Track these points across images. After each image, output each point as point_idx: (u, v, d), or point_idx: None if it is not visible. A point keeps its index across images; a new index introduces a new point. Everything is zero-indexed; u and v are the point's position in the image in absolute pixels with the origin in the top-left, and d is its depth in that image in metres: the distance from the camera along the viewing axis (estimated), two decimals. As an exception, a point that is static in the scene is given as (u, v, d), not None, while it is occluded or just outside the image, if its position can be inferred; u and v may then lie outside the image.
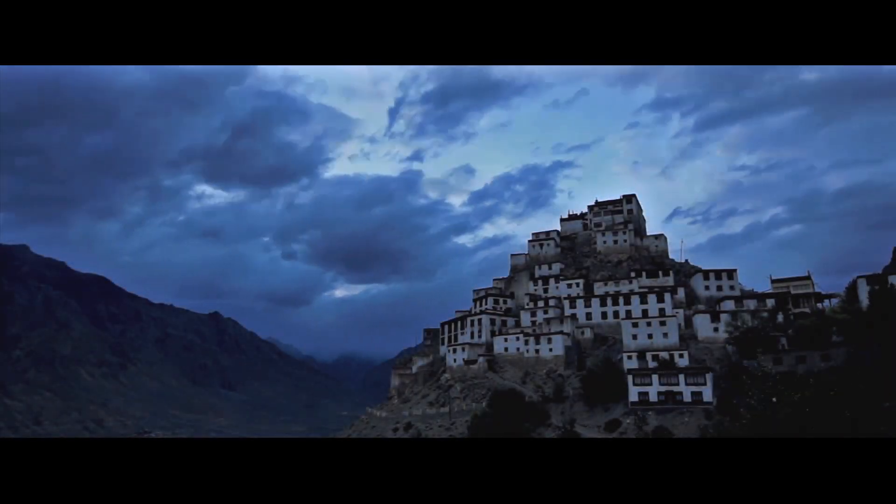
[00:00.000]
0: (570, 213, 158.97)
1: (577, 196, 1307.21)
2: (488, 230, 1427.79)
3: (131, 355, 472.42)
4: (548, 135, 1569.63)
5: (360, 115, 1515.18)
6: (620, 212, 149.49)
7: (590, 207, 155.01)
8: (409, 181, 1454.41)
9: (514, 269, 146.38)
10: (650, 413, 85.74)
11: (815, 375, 71.88)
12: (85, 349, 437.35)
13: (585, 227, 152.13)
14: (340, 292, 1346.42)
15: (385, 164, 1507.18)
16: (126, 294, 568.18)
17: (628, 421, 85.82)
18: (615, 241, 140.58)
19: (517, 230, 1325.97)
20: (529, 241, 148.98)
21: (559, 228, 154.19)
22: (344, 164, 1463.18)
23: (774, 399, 68.52)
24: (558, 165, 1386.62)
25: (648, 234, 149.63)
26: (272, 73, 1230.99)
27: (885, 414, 59.41)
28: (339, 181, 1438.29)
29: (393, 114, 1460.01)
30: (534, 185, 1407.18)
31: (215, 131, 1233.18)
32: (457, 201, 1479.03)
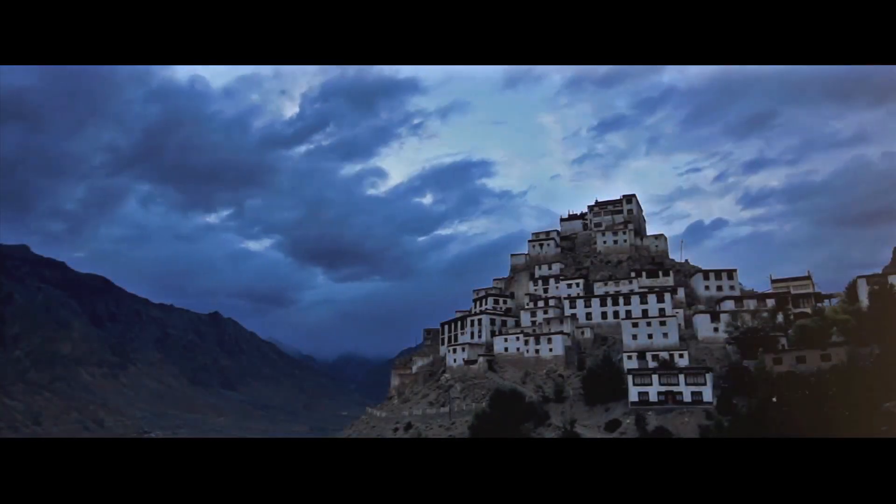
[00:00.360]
0: (570, 212, 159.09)
1: (511, 197, 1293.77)
2: (439, 230, 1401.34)
3: (131, 355, 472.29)
4: (445, 136, 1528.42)
5: (260, 113, 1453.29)
6: (620, 212, 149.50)
7: (590, 207, 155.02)
8: (339, 180, 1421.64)
9: (514, 269, 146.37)
10: (650, 413, 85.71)
11: (815, 375, 72.07)
12: (85, 349, 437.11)
13: (585, 227, 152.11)
14: (322, 291, 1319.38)
15: (308, 163, 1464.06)
16: (126, 294, 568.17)
17: (628, 421, 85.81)
18: (615, 241, 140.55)
19: (469, 230, 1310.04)
20: (529, 240, 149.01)
21: (559, 228, 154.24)
22: (272, 161, 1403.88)
23: (774, 399, 68.72)
24: (470, 165, 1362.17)
25: (648, 234, 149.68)
26: (161, 72, 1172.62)
27: (884, 414, 59.50)
28: (277, 179, 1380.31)
29: (303, 112, 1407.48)
30: (456, 183, 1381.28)
31: (128, 131, 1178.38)
32: (382, 199, 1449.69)
